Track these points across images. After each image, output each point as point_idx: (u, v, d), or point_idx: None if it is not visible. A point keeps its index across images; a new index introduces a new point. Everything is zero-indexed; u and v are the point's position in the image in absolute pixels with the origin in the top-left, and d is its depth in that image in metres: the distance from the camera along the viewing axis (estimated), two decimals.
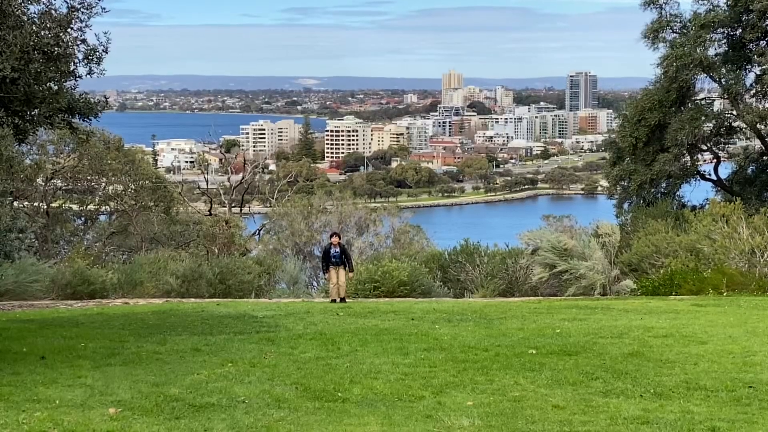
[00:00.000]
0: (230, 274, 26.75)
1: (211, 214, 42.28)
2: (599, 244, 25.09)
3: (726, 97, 37.05)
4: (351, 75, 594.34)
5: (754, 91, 36.76)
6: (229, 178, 49.24)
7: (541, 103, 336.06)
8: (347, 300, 21.53)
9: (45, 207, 35.03)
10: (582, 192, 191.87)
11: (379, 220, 36.55)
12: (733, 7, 35.36)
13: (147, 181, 38.85)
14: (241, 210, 46.69)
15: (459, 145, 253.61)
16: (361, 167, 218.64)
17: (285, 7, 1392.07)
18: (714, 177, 39.24)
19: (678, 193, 38.42)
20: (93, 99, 14.23)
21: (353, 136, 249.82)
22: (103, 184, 38.21)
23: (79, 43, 13.13)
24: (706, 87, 38.60)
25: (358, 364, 12.02)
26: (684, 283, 21.80)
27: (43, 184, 35.49)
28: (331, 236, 22.85)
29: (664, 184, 37.69)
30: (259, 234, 41.87)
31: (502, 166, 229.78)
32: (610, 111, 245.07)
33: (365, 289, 24.67)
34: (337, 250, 21.75)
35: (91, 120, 14.49)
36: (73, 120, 14.23)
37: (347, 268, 21.80)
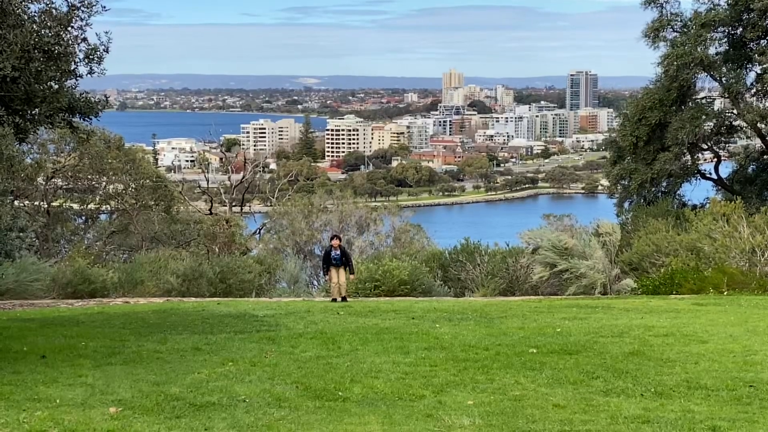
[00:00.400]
0: (231, 273, 26.76)
1: (211, 214, 42.26)
2: (600, 243, 25.07)
3: (727, 96, 37.07)
4: (351, 74, 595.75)
5: (754, 90, 36.79)
6: (229, 177, 49.17)
7: (542, 102, 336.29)
8: (348, 299, 21.53)
9: (45, 206, 35.02)
10: (582, 191, 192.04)
11: (379, 219, 36.53)
12: (734, 6, 35.37)
13: (147, 180, 38.83)
14: (241, 209, 46.66)
15: (459, 144, 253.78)
16: (362, 166, 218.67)
17: (285, 6, 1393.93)
18: (714, 176, 39.26)
19: (678, 192, 38.47)
20: (93, 98, 14.21)
21: (354, 135, 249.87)
22: (104, 183, 38.20)
23: (79, 41, 13.10)
24: (706, 86, 38.64)
25: (359, 363, 12.01)
26: (685, 282, 21.78)
27: (44, 183, 35.48)
28: (332, 239, 22.79)
29: (664, 183, 37.72)
30: (259, 233, 41.86)
31: (502, 165, 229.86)
32: (611, 110, 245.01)
33: (366, 288, 24.66)
34: (338, 252, 21.73)
35: (91, 119, 14.46)
36: (73, 119, 14.21)
37: (348, 270, 21.80)
